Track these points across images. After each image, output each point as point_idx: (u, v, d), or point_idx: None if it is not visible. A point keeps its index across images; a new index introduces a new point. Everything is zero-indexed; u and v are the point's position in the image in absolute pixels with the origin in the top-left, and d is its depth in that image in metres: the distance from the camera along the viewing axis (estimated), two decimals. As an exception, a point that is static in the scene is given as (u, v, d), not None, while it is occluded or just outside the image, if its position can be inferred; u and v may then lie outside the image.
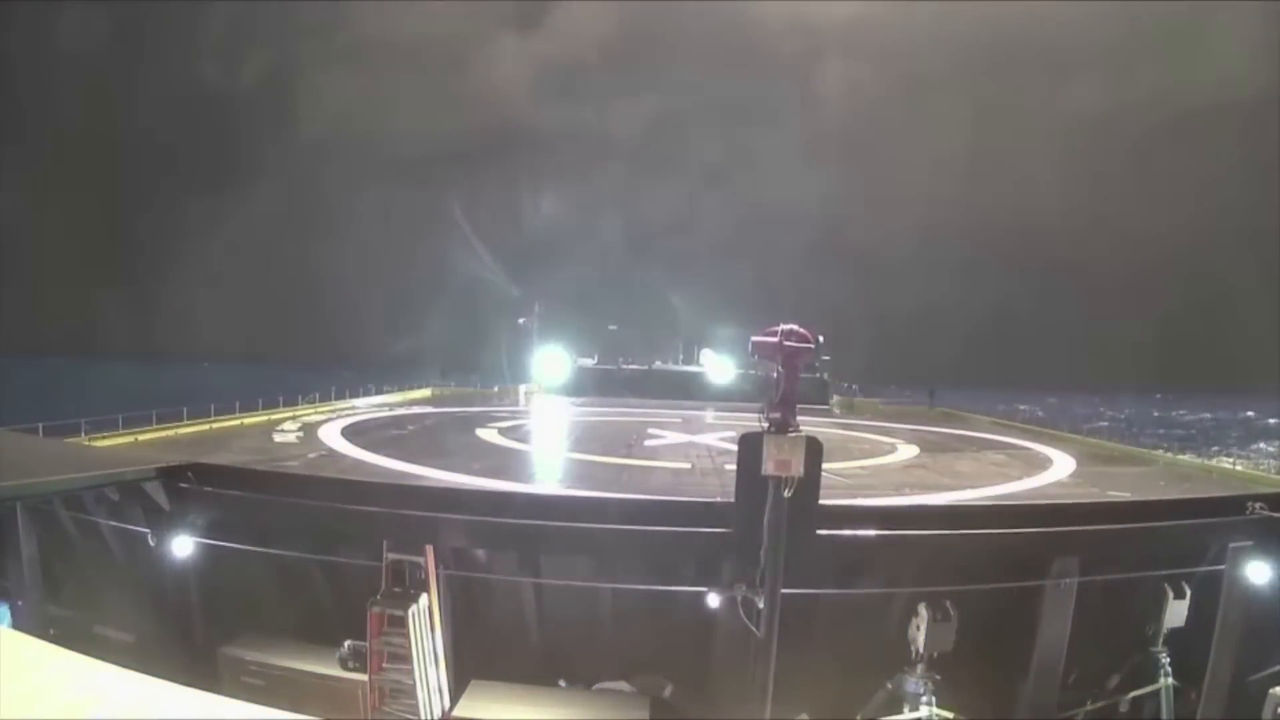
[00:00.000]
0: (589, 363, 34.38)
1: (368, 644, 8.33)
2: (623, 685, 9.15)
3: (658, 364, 35.18)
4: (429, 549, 8.50)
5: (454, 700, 8.54)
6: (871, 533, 8.83)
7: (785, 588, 7.83)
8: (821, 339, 7.89)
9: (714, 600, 8.44)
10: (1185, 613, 9.08)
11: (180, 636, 9.41)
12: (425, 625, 8.42)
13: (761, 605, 8.06)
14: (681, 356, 35.46)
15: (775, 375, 7.82)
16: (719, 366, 32.37)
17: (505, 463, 14.85)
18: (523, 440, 18.79)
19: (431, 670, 8.46)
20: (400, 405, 26.21)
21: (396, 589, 8.51)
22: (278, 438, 16.54)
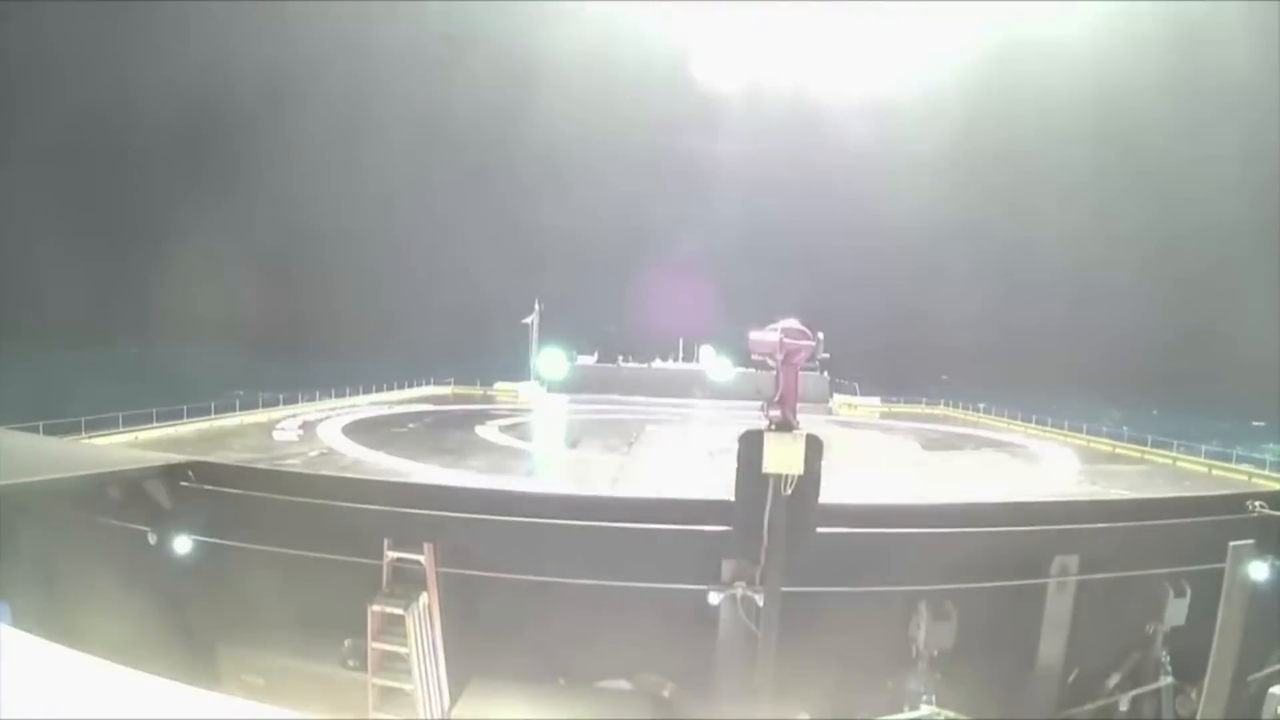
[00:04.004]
0: (589, 361, 34.39)
1: (368, 642, 8.33)
2: (623, 684, 9.14)
3: (657, 362, 35.18)
4: (429, 547, 8.49)
5: (454, 699, 8.54)
6: (872, 531, 8.83)
7: (785, 586, 7.84)
8: (821, 335, 7.89)
9: (714, 599, 8.44)
10: (1185, 611, 9.08)
11: (181, 635, 9.41)
12: (425, 624, 8.41)
13: (762, 604, 8.07)
14: (681, 354, 35.45)
15: (775, 373, 7.82)
16: (719, 364, 32.38)
17: (505, 460, 14.86)
18: (522, 438, 18.79)
19: (432, 669, 8.46)
20: (400, 403, 26.22)
21: (397, 587, 8.50)
22: (278, 436, 16.54)
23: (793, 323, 7.82)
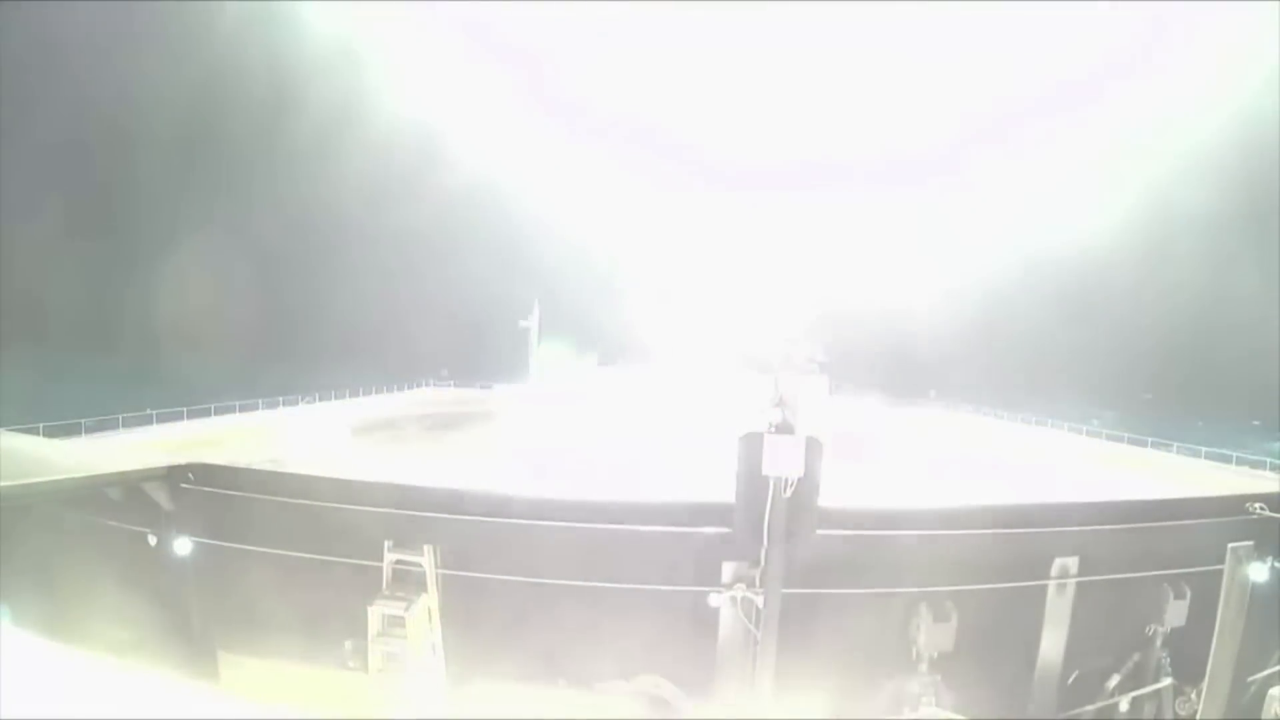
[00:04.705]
0: (588, 362, 34.40)
1: (368, 643, 8.34)
2: (623, 685, 9.14)
3: (657, 363, 35.18)
4: (429, 549, 8.50)
5: (454, 699, 8.54)
6: (872, 533, 8.83)
7: (785, 587, 7.84)
8: (821, 337, 7.91)
9: (714, 600, 8.45)
10: (1185, 613, 9.08)
11: (181, 636, 9.40)
12: (425, 625, 8.42)
13: (762, 605, 8.08)
14: (682, 355, 35.44)
15: (776, 375, 7.84)
16: (720, 366, 32.38)
17: (504, 462, 14.86)
18: (522, 440, 18.80)
19: (431, 669, 8.46)
20: (400, 405, 26.23)
21: (397, 589, 8.51)
22: (279, 437, 16.55)
23: (794, 325, 7.85)
